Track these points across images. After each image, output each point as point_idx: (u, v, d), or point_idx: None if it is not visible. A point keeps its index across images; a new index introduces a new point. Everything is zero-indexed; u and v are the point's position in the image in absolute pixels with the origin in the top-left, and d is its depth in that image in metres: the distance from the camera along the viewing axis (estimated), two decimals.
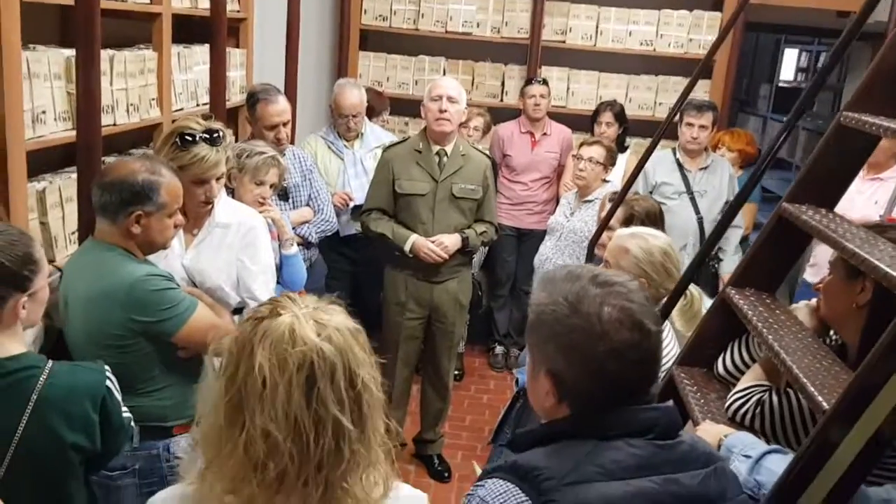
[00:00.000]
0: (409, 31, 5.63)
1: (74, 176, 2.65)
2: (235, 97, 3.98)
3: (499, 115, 5.44)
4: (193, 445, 1.39)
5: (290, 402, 1.28)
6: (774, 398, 1.91)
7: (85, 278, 2.23)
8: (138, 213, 2.21)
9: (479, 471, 1.56)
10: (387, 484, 1.39)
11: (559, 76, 5.60)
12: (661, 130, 3.36)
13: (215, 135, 2.53)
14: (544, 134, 5.17)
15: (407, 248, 3.72)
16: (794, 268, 4.81)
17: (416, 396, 4.26)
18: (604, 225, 3.24)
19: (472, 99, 5.21)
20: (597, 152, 4.15)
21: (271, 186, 3.14)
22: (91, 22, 2.45)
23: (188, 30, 3.54)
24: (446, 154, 3.76)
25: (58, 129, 2.58)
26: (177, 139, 2.48)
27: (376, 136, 4.50)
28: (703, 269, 4.40)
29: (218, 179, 2.57)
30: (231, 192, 3.00)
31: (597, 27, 5.54)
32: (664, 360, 2.35)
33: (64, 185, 2.64)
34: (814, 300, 2.14)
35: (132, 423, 2.05)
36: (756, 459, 1.63)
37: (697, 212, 4.46)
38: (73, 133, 2.59)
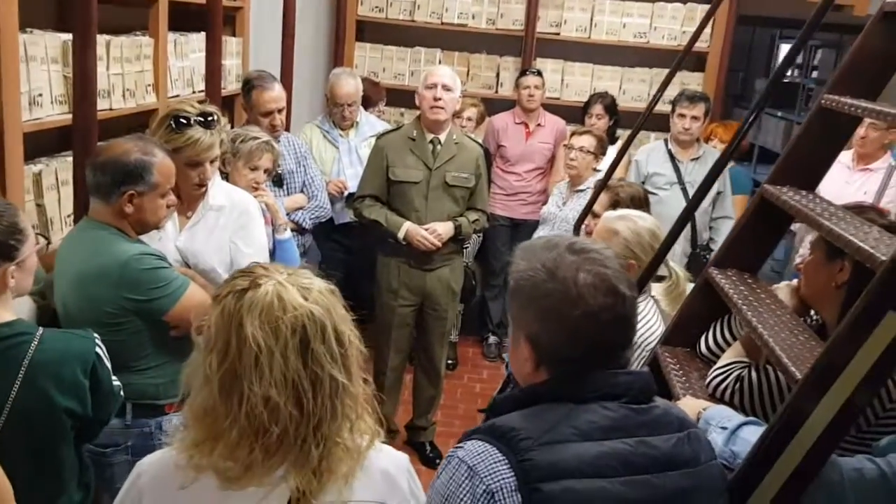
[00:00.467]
0: (405, 22, 5.66)
1: (70, 159, 2.69)
2: (231, 85, 4.02)
3: (494, 106, 5.48)
4: (185, 425, 1.41)
5: (287, 365, 1.33)
6: (753, 374, 1.95)
7: (78, 257, 2.27)
8: (131, 192, 2.25)
9: None
10: (373, 434, 1.45)
11: (553, 68, 5.64)
12: (642, 118, 3.41)
13: (209, 118, 2.57)
14: (538, 125, 5.22)
15: (400, 235, 3.75)
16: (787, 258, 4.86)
17: (408, 385, 4.30)
18: (587, 210, 3.28)
19: (467, 90, 5.25)
20: (587, 142, 4.19)
21: (265, 171, 3.18)
22: (87, 6, 2.49)
23: (184, 17, 3.57)
24: (440, 142, 3.80)
25: (54, 112, 2.61)
26: (171, 122, 2.52)
27: (371, 125, 4.54)
28: (694, 258, 4.45)
29: (212, 162, 2.61)
30: (225, 177, 3.04)
31: (591, 19, 5.58)
32: (650, 340, 2.41)
33: (60, 168, 2.68)
34: (795, 280, 2.19)
35: (122, 393, 2.09)
36: (732, 430, 1.67)
37: (688, 201, 4.50)
38: (70, 116, 2.63)
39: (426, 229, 3.74)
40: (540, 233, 4.41)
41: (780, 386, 1.91)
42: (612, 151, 4.85)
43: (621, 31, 5.58)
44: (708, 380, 2.03)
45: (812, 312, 2.14)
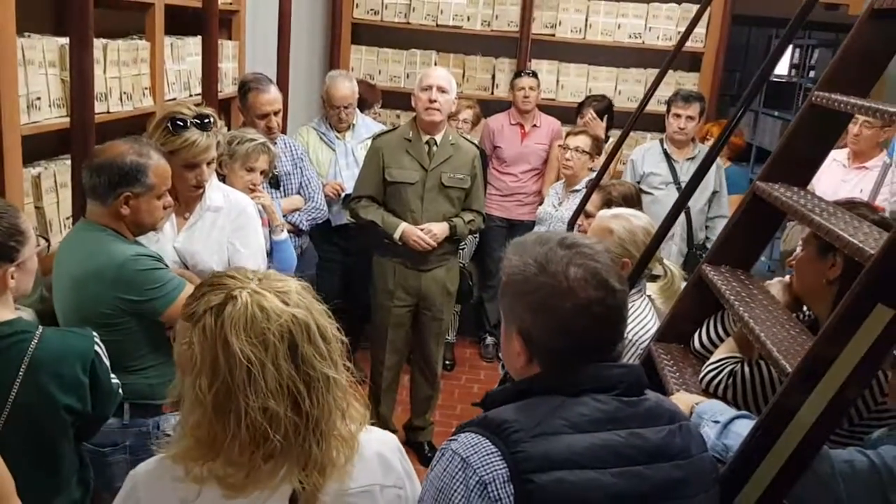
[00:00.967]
0: (400, 24, 5.68)
1: (69, 162, 2.71)
2: (228, 88, 4.03)
3: (489, 107, 5.51)
4: (178, 438, 1.39)
5: (280, 373, 1.33)
6: (746, 369, 1.97)
7: (76, 258, 2.29)
8: (127, 194, 2.27)
9: None
10: (362, 418, 1.47)
11: (549, 69, 5.65)
12: (633, 118, 3.42)
13: (206, 120, 2.59)
14: (534, 126, 5.23)
15: (396, 235, 3.77)
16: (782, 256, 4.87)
17: (406, 385, 4.32)
18: (579, 210, 3.30)
19: (462, 92, 5.26)
20: (583, 142, 4.21)
21: (262, 173, 3.20)
22: (84, 10, 2.52)
23: (181, 21, 3.59)
24: (436, 143, 3.81)
25: (52, 115, 2.63)
26: (168, 124, 2.53)
27: (368, 127, 4.55)
28: (691, 258, 4.47)
29: (209, 164, 2.63)
30: (222, 179, 3.05)
31: (586, 20, 5.60)
32: (644, 337, 2.43)
33: (59, 171, 2.70)
34: (787, 276, 2.21)
35: (120, 391, 2.11)
36: (724, 424, 1.69)
37: None
38: (68, 120, 2.65)
39: (422, 229, 3.76)
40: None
41: (772, 380, 1.93)
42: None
43: (616, 32, 5.60)
44: (701, 375, 2.05)
45: (804, 308, 2.16)
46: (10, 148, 2.39)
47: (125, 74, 3.03)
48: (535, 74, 5.25)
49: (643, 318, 2.52)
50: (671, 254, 4.45)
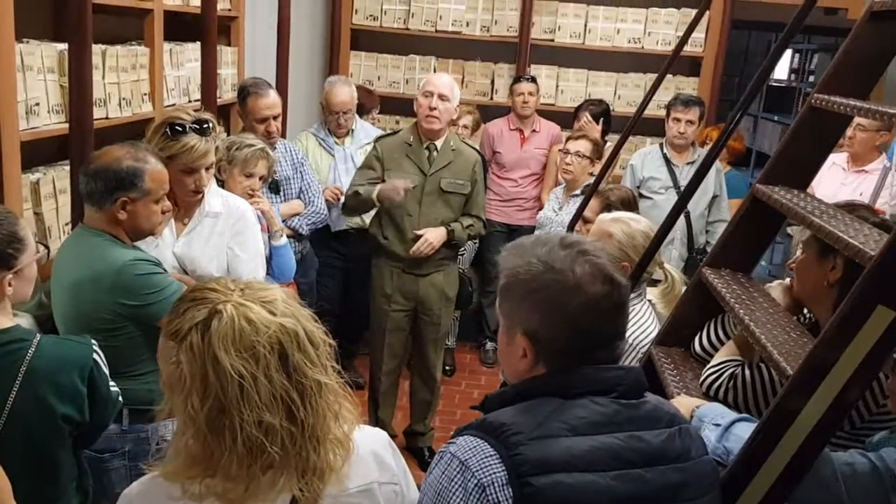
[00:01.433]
0: (399, 30, 5.69)
1: (68, 168, 2.71)
2: (227, 94, 4.04)
3: (489, 112, 5.51)
4: (171, 456, 1.37)
5: (273, 384, 1.31)
6: (747, 372, 1.96)
7: (74, 264, 2.29)
8: (123, 199, 2.26)
9: None
10: (354, 418, 1.46)
11: (548, 74, 5.66)
12: (632, 123, 3.41)
13: (205, 125, 2.58)
14: (533, 131, 5.24)
15: (374, 196, 3.72)
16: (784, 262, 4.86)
17: (406, 391, 4.31)
18: (578, 215, 3.30)
19: (462, 97, 5.26)
20: (583, 146, 4.21)
21: (260, 178, 3.20)
22: (83, 16, 2.52)
23: (180, 27, 3.60)
24: (436, 148, 3.81)
25: (51, 121, 2.63)
26: (167, 129, 2.53)
27: (367, 132, 4.55)
28: (691, 263, 4.47)
29: (207, 169, 2.63)
30: (221, 185, 3.05)
31: (585, 25, 5.61)
32: (644, 341, 2.42)
33: (57, 177, 2.70)
34: (788, 279, 2.20)
35: (120, 399, 2.10)
36: (725, 427, 1.68)
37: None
38: (67, 125, 2.65)
39: (419, 236, 3.74)
40: None
41: (773, 383, 1.92)
42: None
43: (615, 37, 5.61)
44: (702, 378, 2.05)
45: (805, 311, 2.15)
46: (9, 154, 2.39)
47: (124, 80, 3.03)
48: (534, 79, 5.26)
49: (643, 322, 2.52)
50: (671, 258, 4.44)
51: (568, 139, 4.42)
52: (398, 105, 5.73)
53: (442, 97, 3.73)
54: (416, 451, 4.21)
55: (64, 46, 2.60)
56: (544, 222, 4.38)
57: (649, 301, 2.69)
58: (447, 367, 5.02)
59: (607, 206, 3.13)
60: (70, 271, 2.28)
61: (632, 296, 2.14)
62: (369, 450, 1.49)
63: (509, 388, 1.41)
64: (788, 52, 10.54)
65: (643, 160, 4.67)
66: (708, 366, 2.06)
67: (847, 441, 1.83)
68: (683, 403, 1.84)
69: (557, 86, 5.71)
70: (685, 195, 2.45)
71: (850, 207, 2.04)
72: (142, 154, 2.31)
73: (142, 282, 2.25)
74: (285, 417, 1.32)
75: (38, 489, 1.94)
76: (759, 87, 2.33)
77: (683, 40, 3.23)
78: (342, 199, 4.32)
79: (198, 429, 1.31)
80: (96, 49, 2.74)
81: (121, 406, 2.14)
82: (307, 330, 1.37)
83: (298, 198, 3.93)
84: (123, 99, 3.04)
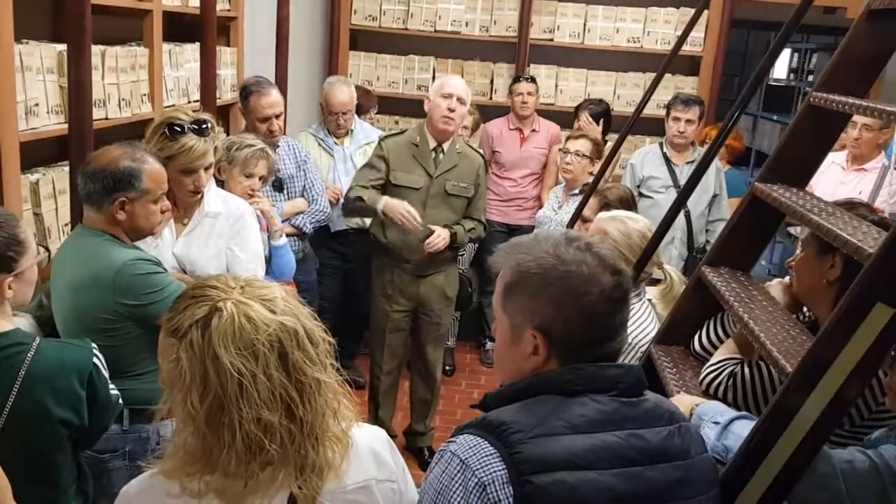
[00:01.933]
0: (398, 30, 5.69)
1: (67, 168, 2.71)
2: (226, 95, 4.04)
3: (488, 112, 5.51)
4: (169, 454, 1.37)
5: (272, 382, 1.31)
6: (746, 370, 1.96)
7: (73, 264, 2.29)
8: (122, 199, 2.26)
9: None
10: (353, 415, 1.46)
11: (547, 74, 5.66)
12: (630, 122, 3.41)
13: (203, 125, 2.59)
14: (533, 130, 5.24)
15: (380, 208, 3.71)
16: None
17: (407, 391, 4.31)
18: (576, 215, 3.30)
19: None
20: (583, 145, 4.21)
21: (260, 178, 3.20)
22: (82, 16, 2.51)
23: (179, 28, 3.60)
24: (443, 151, 3.81)
25: (50, 122, 2.63)
26: (165, 129, 2.54)
27: (366, 133, 4.56)
28: (691, 262, 4.47)
29: (206, 169, 2.63)
30: (221, 185, 3.05)
31: (584, 25, 5.61)
32: (643, 341, 2.43)
33: (57, 178, 2.70)
34: (787, 277, 2.20)
35: (120, 401, 2.09)
36: (724, 425, 1.69)
37: (685, 206, 4.50)
38: (66, 126, 2.65)
39: (432, 233, 3.72)
40: None
41: (772, 381, 1.92)
42: None
43: (615, 37, 5.61)
44: (702, 376, 2.05)
45: (805, 309, 2.15)
46: (9, 154, 2.39)
47: (123, 81, 3.03)
48: (533, 79, 5.26)
49: (643, 321, 2.52)
50: (672, 257, 4.44)
51: (568, 138, 4.42)
52: (397, 105, 5.74)
53: (460, 100, 3.75)
54: (417, 450, 4.21)
55: (63, 47, 2.60)
56: (543, 221, 4.38)
57: (649, 300, 2.69)
58: (447, 367, 5.02)
59: (605, 205, 3.14)
60: (70, 271, 2.28)
61: (630, 295, 2.14)
62: (368, 447, 1.49)
63: (509, 387, 1.41)
64: (788, 52, 10.57)
65: (643, 159, 4.68)
66: (707, 364, 2.06)
67: (846, 439, 1.83)
68: (683, 402, 1.84)
69: (557, 85, 5.71)
70: (684, 193, 2.45)
71: (849, 205, 2.04)
72: (139, 154, 2.31)
73: (142, 281, 2.25)
74: (284, 415, 1.32)
75: (38, 492, 1.94)
76: (756, 85, 2.33)
77: (682, 39, 3.23)
78: (342, 199, 4.34)
79: (197, 426, 1.31)
80: (96, 50, 2.74)
81: (121, 408, 2.13)
82: (307, 328, 1.37)
83: (302, 196, 3.93)
84: (123, 99, 3.04)
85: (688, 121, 4.55)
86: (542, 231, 1.29)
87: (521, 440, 1.27)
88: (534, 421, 1.30)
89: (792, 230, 4.68)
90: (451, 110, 3.72)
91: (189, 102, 3.60)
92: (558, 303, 1.36)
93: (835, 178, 4.40)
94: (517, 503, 1.24)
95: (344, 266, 4.64)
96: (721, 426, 1.68)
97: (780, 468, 1.53)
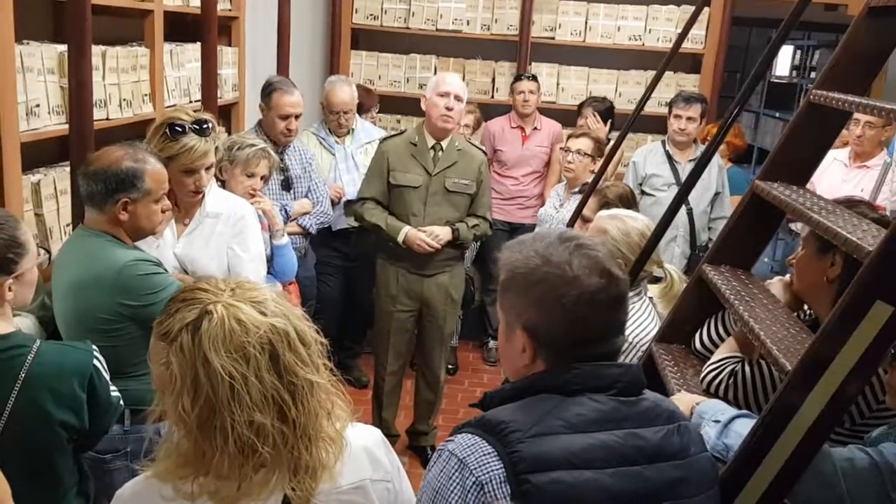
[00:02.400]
0: (399, 29, 5.69)
1: (68, 169, 2.72)
2: (228, 95, 4.04)
3: (490, 111, 5.51)
4: (162, 456, 1.37)
5: (263, 384, 1.31)
6: (747, 369, 1.96)
7: (74, 265, 2.29)
8: (124, 200, 2.27)
9: None
10: (347, 415, 1.45)
11: (549, 72, 5.66)
12: (631, 119, 3.41)
13: (204, 125, 2.59)
14: (535, 129, 5.24)
15: (400, 239, 3.76)
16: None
17: (409, 390, 4.32)
18: (577, 214, 3.30)
19: None
20: (584, 144, 4.20)
21: (262, 178, 3.20)
22: (83, 16, 2.52)
23: (180, 28, 3.61)
24: (441, 148, 3.82)
25: (51, 122, 2.63)
26: (166, 129, 2.54)
27: (367, 132, 4.57)
28: (694, 260, 4.46)
29: (207, 169, 2.64)
30: (222, 185, 3.06)
31: (586, 23, 5.60)
32: (644, 339, 2.42)
33: (58, 178, 2.71)
34: (788, 275, 2.20)
35: (121, 403, 2.10)
36: (725, 424, 1.68)
37: (687, 203, 4.49)
38: (67, 127, 2.65)
39: (425, 231, 3.75)
40: None
41: (773, 380, 1.92)
42: None
43: (616, 34, 5.60)
44: (702, 375, 2.05)
45: (805, 307, 2.15)
46: (10, 155, 2.40)
47: (124, 81, 3.03)
48: (534, 78, 5.26)
49: (643, 320, 2.52)
50: (674, 255, 4.44)
51: (569, 137, 4.41)
52: (399, 104, 5.74)
53: (458, 98, 3.75)
54: (420, 450, 4.21)
55: (64, 47, 2.61)
56: (545, 219, 4.38)
57: (650, 298, 2.68)
58: (450, 366, 5.02)
59: (605, 204, 3.13)
60: (71, 272, 2.29)
61: (630, 294, 2.14)
62: (362, 447, 1.49)
63: (508, 386, 1.41)
64: (790, 49, 10.55)
65: (645, 157, 4.67)
66: (708, 363, 2.06)
67: (846, 437, 1.83)
68: (684, 400, 1.84)
69: (558, 84, 5.70)
70: (684, 190, 2.45)
71: (850, 203, 2.04)
72: (141, 154, 2.31)
73: (143, 282, 2.25)
74: (277, 417, 1.32)
75: (38, 494, 1.94)
76: (756, 81, 2.33)
77: (682, 37, 3.23)
78: (344, 198, 4.34)
79: (189, 429, 1.31)
80: (96, 50, 2.75)
81: (122, 409, 2.14)
82: (298, 329, 1.36)
83: (306, 196, 3.94)
84: (124, 100, 3.04)
85: (689, 118, 4.54)
86: (542, 230, 1.28)
87: (519, 439, 1.27)
88: (532, 420, 1.30)
89: (794, 227, 4.67)
90: (450, 109, 3.72)
91: (190, 102, 3.60)
92: (540, 303, 1.36)
93: (837, 176, 4.39)
94: (515, 502, 1.24)
95: (345, 265, 4.65)
96: (722, 425, 1.68)
97: (780, 466, 1.54)
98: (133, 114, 3.11)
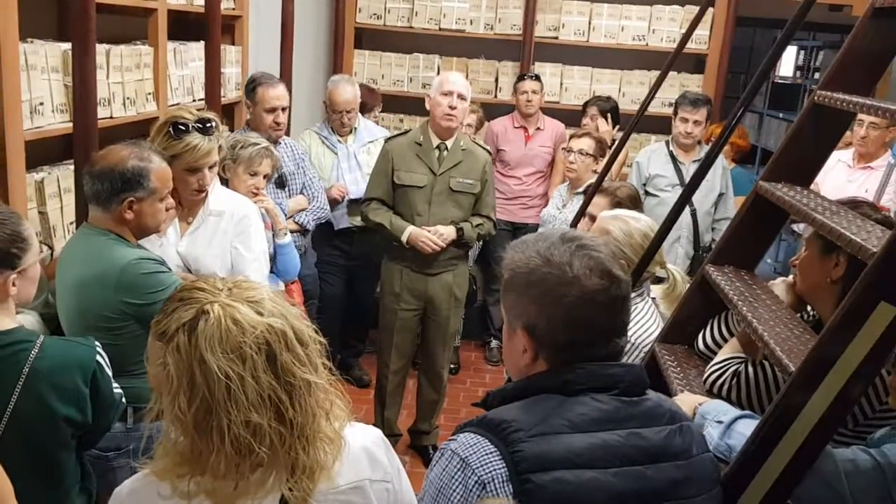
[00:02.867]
0: (403, 29, 5.70)
1: (72, 167, 2.72)
2: (231, 93, 4.05)
3: (493, 111, 5.51)
4: (159, 455, 1.37)
5: (260, 385, 1.30)
6: (750, 369, 1.95)
7: (78, 262, 2.29)
8: (130, 199, 2.27)
9: None
10: (346, 415, 1.45)
11: (552, 72, 5.66)
12: (634, 120, 3.40)
13: (208, 124, 2.60)
14: (538, 129, 5.24)
15: (404, 238, 3.76)
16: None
17: (412, 390, 4.32)
18: (581, 212, 3.30)
19: None
20: (586, 144, 4.20)
21: (265, 177, 3.21)
22: (87, 15, 2.52)
23: (184, 26, 3.61)
24: (446, 148, 3.81)
25: (55, 120, 2.64)
26: (170, 128, 2.55)
27: (370, 131, 4.57)
28: (697, 261, 4.45)
29: (211, 168, 2.64)
30: (225, 183, 3.06)
31: (589, 23, 5.60)
32: (646, 340, 2.42)
33: (62, 176, 2.71)
34: (791, 276, 2.20)
35: (123, 400, 2.10)
36: (727, 424, 1.68)
37: (691, 204, 4.48)
38: (71, 125, 2.66)
39: (429, 231, 3.75)
40: None
41: (776, 380, 1.92)
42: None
43: (620, 34, 5.60)
44: (705, 375, 2.04)
45: (808, 308, 2.15)
46: (14, 153, 2.40)
47: (128, 80, 3.04)
48: (538, 78, 5.25)
49: (645, 320, 2.51)
50: (678, 256, 4.43)
51: (571, 137, 4.41)
52: (402, 103, 5.74)
53: (461, 97, 3.75)
54: (421, 449, 4.21)
55: (68, 46, 2.61)
56: (548, 219, 4.38)
57: (652, 298, 2.68)
58: (452, 366, 5.02)
59: (617, 204, 3.12)
60: (75, 270, 2.29)
61: (633, 294, 2.14)
62: (361, 447, 1.48)
63: (510, 385, 1.41)
64: (794, 50, 10.54)
65: (649, 158, 4.66)
66: (711, 363, 2.06)
67: (849, 438, 1.83)
68: (686, 401, 1.84)
69: (562, 83, 5.70)
70: (687, 191, 2.44)
71: (854, 204, 2.04)
72: (146, 153, 2.31)
73: (146, 280, 2.26)
74: (274, 417, 1.31)
75: (41, 491, 1.94)
76: (760, 82, 2.33)
77: (686, 37, 3.22)
78: (347, 196, 4.34)
79: (185, 429, 1.31)
80: (100, 48, 2.75)
81: (124, 407, 2.14)
82: (296, 329, 1.36)
83: (301, 193, 3.94)
84: (127, 98, 3.04)
85: (695, 122, 4.52)
86: (546, 230, 1.28)
87: (522, 439, 1.27)
88: (534, 419, 1.30)
89: (796, 228, 4.67)
90: (453, 108, 3.72)
91: (194, 101, 3.60)
92: (540, 303, 1.36)
93: (841, 177, 4.39)
94: (517, 501, 1.24)
95: (347, 264, 4.65)
96: (724, 425, 1.68)
97: (783, 467, 1.53)
98: (137, 112, 3.11)
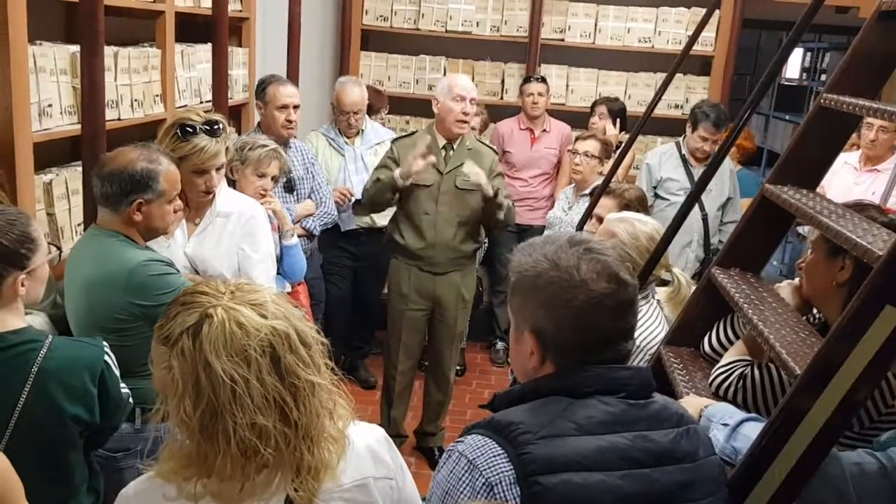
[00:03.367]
0: (409, 30, 5.70)
1: (80, 169, 2.74)
2: (238, 95, 4.06)
3: (499, 112, 5.51)
4: (165, 457, 1.38)
5: (265, 387, 1.31)
6: (756, 372, 1.95)
7: (87, 264, 2.31)
8: (139, 201, 2.28)
9: None
10: (350, 414, 1.46)
11: (558, 74, 5.66)
12: (641, 122, 3.41)
13: (215, 126, 2.61)
14: (544, 130, 5.24)
15: (397, 176, 3.67)
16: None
17: (418, 391, 4.32)
18: (588, 214, 3.30)
19: None
20: (592, 146, 4.20)
21: (273, 179, 3.21)
22: (95, 17, 2.54)
23: (191, 29, 3.63)
24: (452, 148, 3.82)
25: (64, 122, 2.66)
26: (177, 130, 2.56)
27: (377, 133, 4.58)
28: (707, 264, 4.43)
29: (218, 170, 2.65)
30: (233, 185, 3.07)
31: (595, 25, 5.60)
32: (651, 343, 2.42)
33: (70, 178, 2.72)
34: (797, 279, 2.20)
35: (131, 400, 2.11)
36: (733, 427, 1.68)
37: (702, 209, 4.46)
38: (79, 127, 2.67)
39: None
40: None
41: (782, 383, 1.92)
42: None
43: (626, 36, 5.60)
44: (711, 378, 2.04)
45: (815, 311, 2.15)
46: (22, 155, 2.42)
47: (136, 82, 3.05)
48: (544, 79, 5.26)
49: (651, 323, 2.51)
50: (688, 260, 4.42)
51: (577, 139, 4.41)
52: (408, 105, 5.74)
53: (472, 101, 3.77)
54: (427, 451, 4.22)
55: (76, 48, 2.63)
56: (554, 222, 4.38)
57: (658, 301, 2.68)
58: (458, 367, 5.02)
59: (626, 206, 3.12)
60: (83, 271, 2.30)
61: (635, 304, 2.15)
62: (365, 445, 1.49)
63: (518, 387, 1.42)
64: (800, 51, 10.52)
65: (660, 160, 4.62)
66: (717, 366, 2.06)
67: (855, 441, 1.82)
68: (692, 403, 1.84)
69: (568, 85, 5.70)
70: (693, 195, 2.45)
71: (859, 207, 2.04)
72: (154, 155, 2.33)
73: (154, 282, 2.27)
74: (279, 419, 1.33)
75: (50, 489, 1.95)
76: (767, 84, 2.33)
77: (693, 39, 3.22)
78: (352, 198, 4.35)
79: (191, 432, 1.32)
80: (108, 51, 2.77)
81: (132, 407, 2.15)
82: (299, 330, 1.37)
83: (309, 198, 3.95)
84: (135, 100, 3.06)
85: (714, 142, 4.46)
86: (553, 232, 1.28)
87: (529, 441, 1.28)
88: (542, 422, 1.30)
89: (801, 230, 4.65)
90: (466, 113, 3.75)
91: (201, 103, 3.62)
92: (547, 306, 1.37)
93: (848, 179, 4.38)
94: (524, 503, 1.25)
95: (354, 265, 4.66)
96: (730, 428, 1.68)
97: (789, 470, 1.53)
98: (144, 114, 3.13)
